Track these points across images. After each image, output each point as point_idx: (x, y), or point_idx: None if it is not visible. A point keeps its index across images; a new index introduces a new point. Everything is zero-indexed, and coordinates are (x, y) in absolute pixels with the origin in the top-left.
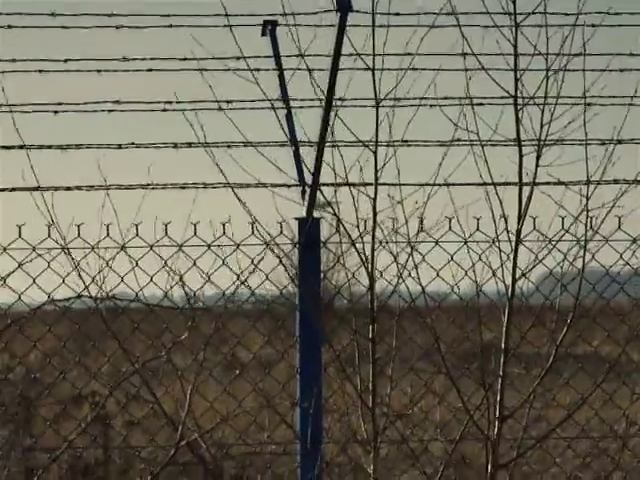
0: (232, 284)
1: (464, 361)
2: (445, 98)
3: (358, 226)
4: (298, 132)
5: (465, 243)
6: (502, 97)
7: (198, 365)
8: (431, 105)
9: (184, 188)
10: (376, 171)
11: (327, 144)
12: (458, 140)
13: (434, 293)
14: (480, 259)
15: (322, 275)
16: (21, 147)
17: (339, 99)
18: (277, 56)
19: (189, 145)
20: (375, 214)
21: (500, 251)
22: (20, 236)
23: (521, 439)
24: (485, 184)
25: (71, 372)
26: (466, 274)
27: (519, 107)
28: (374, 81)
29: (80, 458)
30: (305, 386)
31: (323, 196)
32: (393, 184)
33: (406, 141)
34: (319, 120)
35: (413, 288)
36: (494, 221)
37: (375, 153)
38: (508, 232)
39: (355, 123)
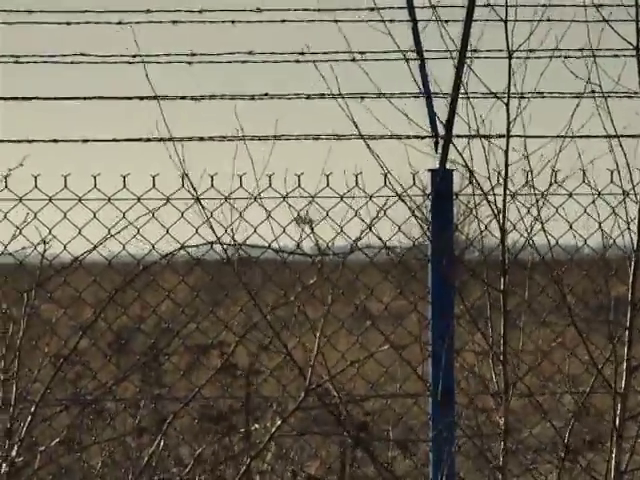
0: (363, 234)
1: (595, 314)
2: (580, 50)
3: (490, 178)
4: (431, 84)
5: (599, 195)
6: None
7: (329, 316)
8: (565, 57)
9: (317, 139)
10: (508, 123)
11: (466, 95)
12: (592, 92)
13: (566, 246)
14: (614, 212)
15: (454, 227)
16: (154, 97)
17: (472, 50)
18: (411, 7)
19: (322, 96)
20: (507, 166)
21: (637, 203)
22: (154, 186)
23: None
24: (609, 136)
25: (203, 322)
26: (600, 227)
27: None
28: (507, 32)
29: (212, 407)
30: (437, 338)
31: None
32: (525, 136)
33: (540, 92)
34: (451, 71)
35: (545, 241)
36: (629, 172)
37: (507, 105)
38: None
39: (487, 75)
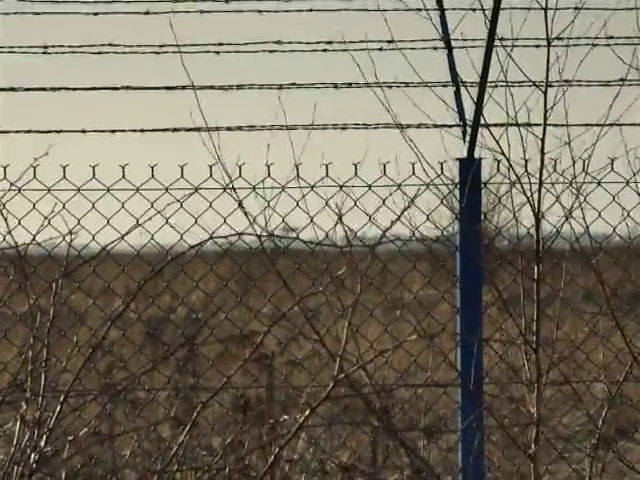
0: (393, 224)
1: (627, 303)
2: (620, 37)
3: (527, 167)
4: (460, 72)
5: (627, 184)
6: None
7: (356, 303)
8: (606, 44)
9: (345, 129)
10: (545, 111)
11: (498, 84)
12: (630, 80)
13: (598, 234)
14: None
15: (483, 216)
16: (184, 87)
17: (501, 39)
18: None
19: (349, 85)
20: (543, 154)
21: None
22: (182, 176)
23: None
24: None
25: (232, 312)
26: (628, 215)
27: None
28: (546, 20)
29: (242, 396)
30: (466, 327)
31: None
32: (561, 125)
33: (579, 81)
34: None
35: (576, 229)
36: None
37: (545, 93)
38: None
39: (523, 63)
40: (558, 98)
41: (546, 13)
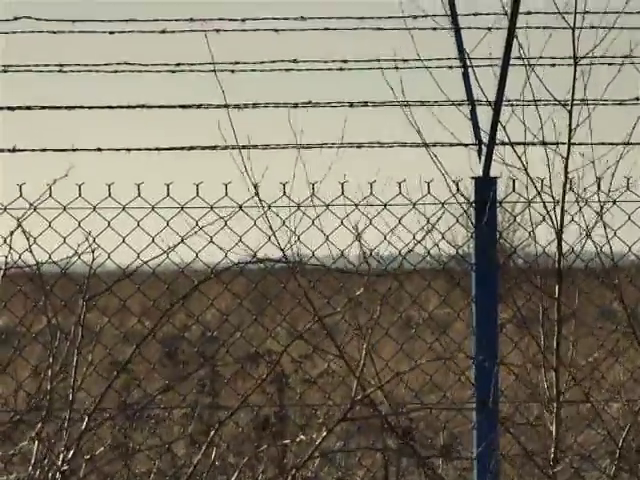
0: (408, 243)
1: None
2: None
3: (551, 184)
4: (474, 91)
5: None
6: None
7: (374, 324)
8: (632, 63)
9: (360, 147)
10: (570, 130)
11: (516, 102)
12: None
13: (615, 253)
14: None
15: (498, 235)
16: (199, 106)
17: (518, 57)
18: (454, 14)
19: (365, 104)
20: (567, 173)
21: None
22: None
23: None
24: None
25: (247, 330)
26: None
27: None
28: (573, 39)
29: (257, 415)
30: (481, 345)
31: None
32: (585, 143)
33: (605, 100)
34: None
35: (593, 248)
36: None
37: (570, 112)
38: None
39: (545, 81)
40: (584, 118)
41: (574, 32)
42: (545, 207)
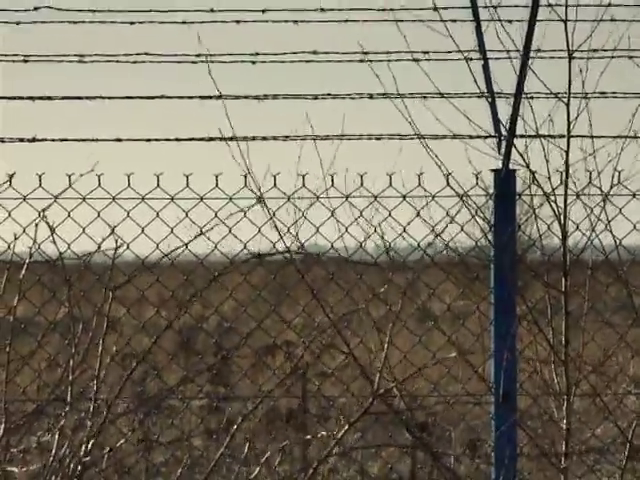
0: (426, 236)
1: None
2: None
3: (562, 178)
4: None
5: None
6: None
7: (392, 316)
8: (630, 57)
9: (379, 139)
10: (569, 123)
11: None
12: None
13: (628, 247)
14: None
15: (516, 227)
16: (219, 97)
17: (535, 50)
18: (474, 7)
19: (385, 96)
20: (568, 166)
21: None
22: (217, 185)
23: None
24: None
25: (265, 322)
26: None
27: None
28: (566, 32)
29: (275, 408)
30: (499, 338)
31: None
32: (586, 136)
33: (603, 93)
34: (511, 71)
35: (607, 242)
36: None
37: (568, 105)
38: None
39: (546, 75)
40: (581, 110)
41: (566, 25)
42: (555, 201)
